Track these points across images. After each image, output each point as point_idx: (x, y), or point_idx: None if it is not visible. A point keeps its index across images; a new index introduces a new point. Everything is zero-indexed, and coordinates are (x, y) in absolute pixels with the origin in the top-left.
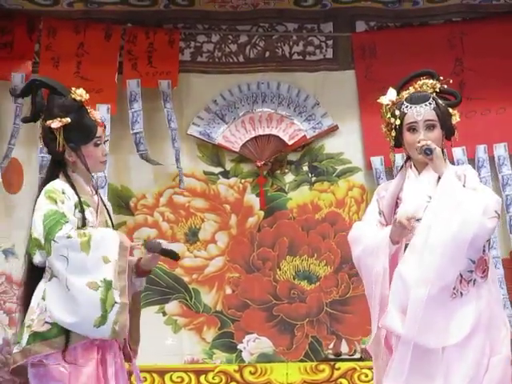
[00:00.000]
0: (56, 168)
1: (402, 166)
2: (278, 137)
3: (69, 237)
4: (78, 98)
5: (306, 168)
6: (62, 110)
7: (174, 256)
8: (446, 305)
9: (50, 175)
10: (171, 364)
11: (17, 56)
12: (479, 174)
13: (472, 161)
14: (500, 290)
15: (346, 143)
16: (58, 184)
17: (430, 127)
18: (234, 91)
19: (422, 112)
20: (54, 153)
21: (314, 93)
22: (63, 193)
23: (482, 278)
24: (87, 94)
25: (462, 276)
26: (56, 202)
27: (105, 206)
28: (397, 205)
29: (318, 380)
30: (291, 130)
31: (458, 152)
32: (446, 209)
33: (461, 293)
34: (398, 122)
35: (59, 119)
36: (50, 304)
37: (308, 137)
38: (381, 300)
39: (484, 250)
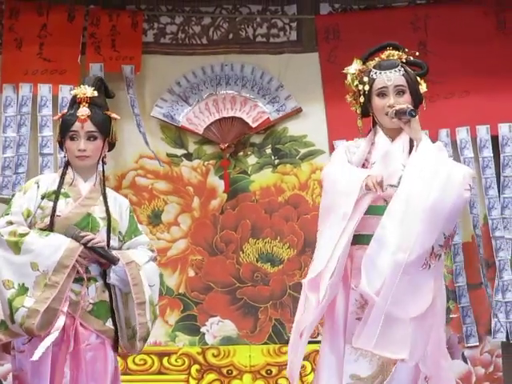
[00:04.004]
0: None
1: (370, 131)
2: (241, 119)
3: None
4: (73, 93)
5: (269, 151)
6: (68, 104)
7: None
8: (417, 274)
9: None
10: None
11: None
12: None
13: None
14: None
15: (310, 126)
16: (43, 175)
17: (399, 92)
18: (197, 73)
19: (392, 77)
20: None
21: (278, 75)
22: (36, 183)
23: (444, 255)
24: (88, 90)
25: (433, 249)
26: (23, 192)
27: (105, 201)
28: (363, 166)
29: (281, 362)
30: (255, 113)
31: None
32: (425, 175)
33: (429, 265)
34: (366, 87)
35: (61, 113)
36: None
37: (272, 119)
38: (336, 245)
39: (455, 226)
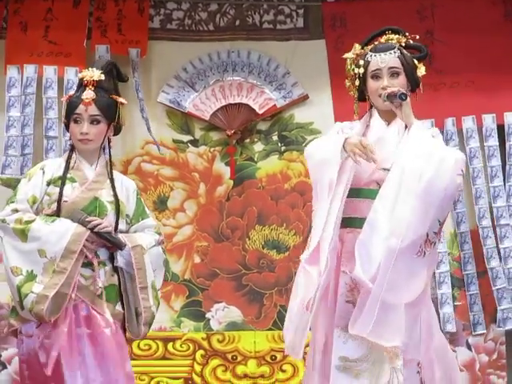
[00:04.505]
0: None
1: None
2: (248, 106)
3: (3, 221)
4: (80, 75)
5: (275, 137)
6: (76, 86)
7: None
8: (411, 261)
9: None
10: None
11: None
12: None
13: (441, 133)
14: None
15: (316, 113)
16: (48, 160)
17: (394, 74)
18: (204, 59)
19: (386, 59)
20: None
21: (285, 62)
22: (41, 169)
23: (438, 242)
24: (95, 73)
25: (428, 236)
26: (28, 179)
27: (113, 185)
28: None
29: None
30: (261, 99)
31: (427, 124)
32: (417, 160)
33: (424, 252)
34: (361, 70)
35: (68, 95)
36: None
37: (278, 106)
38: (328, 212)
39: (448, 212)
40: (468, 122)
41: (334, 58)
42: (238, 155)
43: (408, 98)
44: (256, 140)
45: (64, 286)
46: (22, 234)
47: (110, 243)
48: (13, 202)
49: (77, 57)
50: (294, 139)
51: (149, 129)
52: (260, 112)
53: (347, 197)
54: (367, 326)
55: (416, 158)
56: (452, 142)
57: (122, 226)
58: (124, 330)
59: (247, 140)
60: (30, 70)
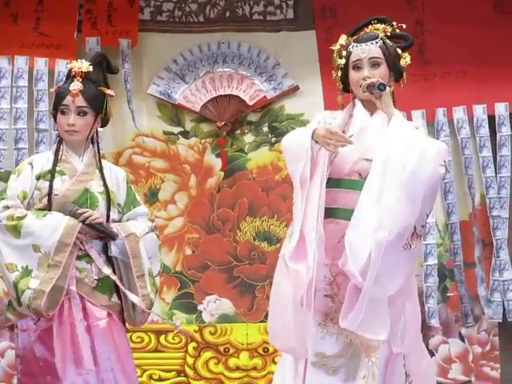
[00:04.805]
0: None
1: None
2: (238, 97)
3: None
4: (69, 67)
5: (266, 129)
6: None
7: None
8: (397, 254)
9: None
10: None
11: None
12: (438, 137)
13: (431, 124)
14: None
15: (307, 104)
16: (36, 155)
17: (374, 65)
18: (194, 51)
19: (367, 50)
20: None
21: (275, 53)
22: (29, 163)
23: (424, 234)
24: (84, 65)
25: (415, 229)
26: (17, 174)
27: (102, 175)
28: None
29: None
30: (252, 91)
31: (418, 115)
32: (400, 150)
33: (410, 245)
34: (343, 61)
35: (56, 86)
36: None
37: (268, 97)
38: (306, 204)
39: (433, 204)
40: (459, 113)
41: (324, 49)
42: (228, 147)
43: (387, 89)
44: (246, 131)
45: (60, 279)
46: (15, 231)
47: (103, 234)
48: (3, 199)
49: (67, 49)
50: (284, 130)
51: (134, 120)
52: (250, 103)
53: (327, 187)
54: (357, 320)
55: (398, 149)
56: (443, 132)
57: (114, 215)
58: (123, 321)
59: (238, 131)
60: (20, 61)
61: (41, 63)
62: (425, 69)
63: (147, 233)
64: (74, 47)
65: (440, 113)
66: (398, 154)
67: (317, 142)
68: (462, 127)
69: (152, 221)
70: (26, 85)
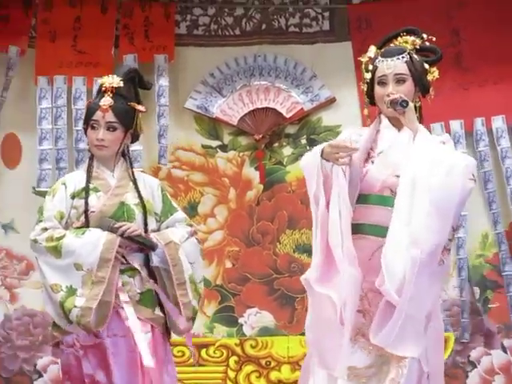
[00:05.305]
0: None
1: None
2: (275, 110)
3: (35, 241)
4: (100, 82)
5: (304, 141)
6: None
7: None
8: (432, 271)
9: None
10: (172, 338)
11: (13, 30)
12: (477, 147)
13: (470, 134)
14: None
15: (344, 115)
16: (69, 174)
17: (399, 81)
18: (230, 64)
19: (392, 65)
20: None
21: (311, 65)
22: (63, 183)
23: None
24: (114, 80)
25: (445, 243)
26: (52, 195)
27: (136, 187)
28: (369, 155)
29: None
30: (289, 103)
31: (456, 125)
32: (427, 167)
33: (443, 260)
34: (369, 75)
35: (88, 100)
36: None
37: (305, 109)
38: (322, 228)
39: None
40: (498, 122)
41: (360, 60)
42: (266, 159)
43: (411, 104)
44: (284, 144)
45: (105, 294)
46: (55, 251)
47: (142, 245)
48: (41, 221)
49: (105, 66)
50: (322, 142)
51: (161, 136)
52: (287, 116)
53: (357, 203)
54: (390, 337)
55: (425, 166)
56: (482, 142)
57: (152, 224)
58: (168, 334)
59: (276, 144)
60: (59, 81)
61: (79, 82)
62: (462, 78)
63: (187, 239)
64: (112, 65)
65: (478, 122)
66: (425, 170)
67: (328, 160)
68: (502, 137)
69: (190, 225)
70: (65, 104)
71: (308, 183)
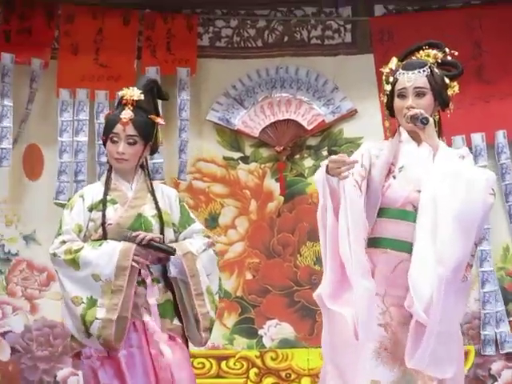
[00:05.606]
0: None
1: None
2: (296, 122)
3: (54, 255)
4: (120, 94)
5: (325, 153)
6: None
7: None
8: (457, 288)
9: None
10: (192, 350)
11: (36, 42)
12: (499, 160)
13: (491, 147)
14: None
15: (366, 127)
16: (86, 187)
17: (419, 94)
18: (252, 76)
19: (413, 78)
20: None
21: (333, 77)
22: (80, 196)
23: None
24: (135, 93)
25: (468, 259)
26: (70, 209)
27: (154, 198)
28: (390, 170)
29: None
30: (310, 115)
31: (477, 138)
32: (447, 183)
33: (466, 277)
34: (389, 87)
35: (107, 112)
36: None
37: (327, 121)
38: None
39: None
40: None
41: (381, 72)
42: (288, 171)
43: (431, 120)
44: (306, 156)
45: (123, 307)
46: (74, 263)
47: (160, 251)
48: (60, 235)
49: (127, 80)
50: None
51: (181, 151)
52: (309, 128)
53: (378, 217)
54: (424, 359)
55: (446, 182)
56: (503, 155)
57: (170, 235)
58: (186, 343)
59: (297, 156)
60: (81, 94)
61: (101, 96)
62: (483, 91)
63: (204, 250)
64: (134, 78)
65: (500, 135)
66: (446, 187)
67: (333, 175)
68: None
69: (208, 237)
70: (87, 118)
71: (319, 196)
